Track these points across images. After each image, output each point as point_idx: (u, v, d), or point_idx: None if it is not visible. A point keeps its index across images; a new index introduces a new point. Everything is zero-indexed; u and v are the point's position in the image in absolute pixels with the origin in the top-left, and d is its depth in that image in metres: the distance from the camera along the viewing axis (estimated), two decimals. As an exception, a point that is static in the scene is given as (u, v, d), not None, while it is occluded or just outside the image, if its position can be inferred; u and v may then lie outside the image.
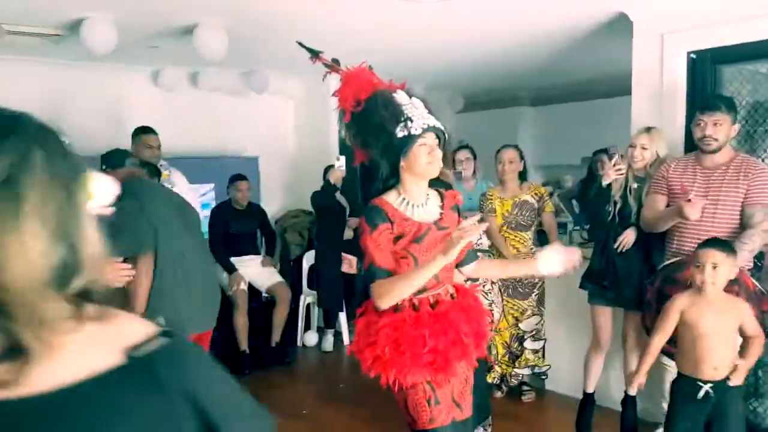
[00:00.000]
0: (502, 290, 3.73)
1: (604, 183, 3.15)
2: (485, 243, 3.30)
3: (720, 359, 2.46)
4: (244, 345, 4.55)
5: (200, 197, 4.92)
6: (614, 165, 3.12)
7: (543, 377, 3.98)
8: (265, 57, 4.90)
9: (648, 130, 3.16)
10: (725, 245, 2.51)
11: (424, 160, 2.01)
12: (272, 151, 5.75)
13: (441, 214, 2.12)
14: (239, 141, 5.52)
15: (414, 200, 2.07)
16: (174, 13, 3.49)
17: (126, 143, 3.88)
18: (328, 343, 5.11)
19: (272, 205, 5.57)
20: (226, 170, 4.95)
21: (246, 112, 5.55)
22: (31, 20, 3.29)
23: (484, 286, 3.28)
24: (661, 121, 3.35)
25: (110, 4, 3.21)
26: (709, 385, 2.46)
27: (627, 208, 3.15)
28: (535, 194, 3.81)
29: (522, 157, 3.85)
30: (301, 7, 3.44)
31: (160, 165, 3.91)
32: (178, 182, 3.96)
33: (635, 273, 3.13)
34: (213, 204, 5.03)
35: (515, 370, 3.87)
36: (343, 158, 4.77)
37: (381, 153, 2.04)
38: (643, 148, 3.12)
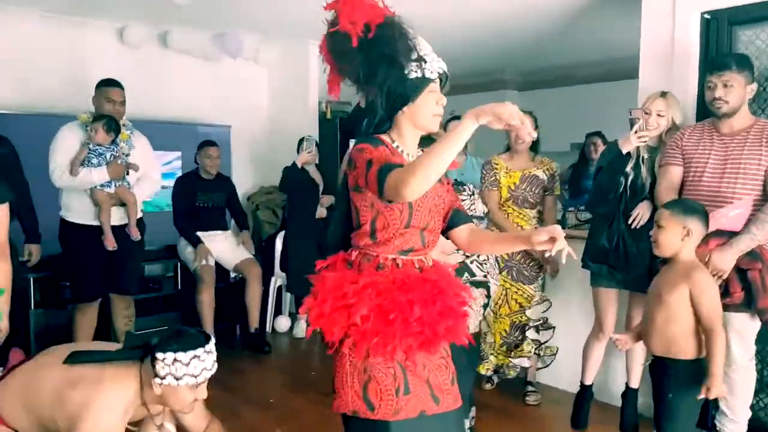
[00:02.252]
0: (507, 273, 3.40)
1: (624, 151, 2.83)
2: (480, 209, 2.96)
3: (654, 330, 2.24)
4: (209, 327, 4.15)
5: (165, 165, 4.53)
6: (636, 132, 2.80)
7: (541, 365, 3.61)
8: (239, 17, 4.54)
9: (663, 94, 2.88)
10: (677, 205, 2.33)
11: (430, 110, 1.71)
12: (245, 122, 5.37)
13: None
14: (210, 108, 5.12)
15: (408, 150, 1.77)
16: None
17: (88, 101, 3.53)
18: (301, 329, 4.76)
19: (244, 180, 5.21)
20: (194, 138, 4.58)
21: (218, 77, 5.17)
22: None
23: (478, 256, 2.95)
24: (671, 88, 3.07)
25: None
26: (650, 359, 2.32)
27: (639, 181, 2.87)
28: (547, 170, 3.45)
29: (536, 125, 3.42)
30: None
31: (123, 124, 3.56)
32: (138, 146, 3.60)
33: (646, 252, 2.80)
34: (179, 174, 4.64)
35: (512, 360, 3.50)
36: (312, 138, 4.45)
37: (385, 91, 1.70)
38: (659, 115, 2.84)
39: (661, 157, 2.81)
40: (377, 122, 1.75)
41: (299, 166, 4.43)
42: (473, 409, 2.89)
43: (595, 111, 6.07)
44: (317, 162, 4.61)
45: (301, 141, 4.59)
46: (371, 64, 1.68)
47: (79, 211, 3.40)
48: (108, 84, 3.48)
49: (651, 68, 3.23)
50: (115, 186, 3.41)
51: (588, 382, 3.16)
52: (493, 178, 3.44)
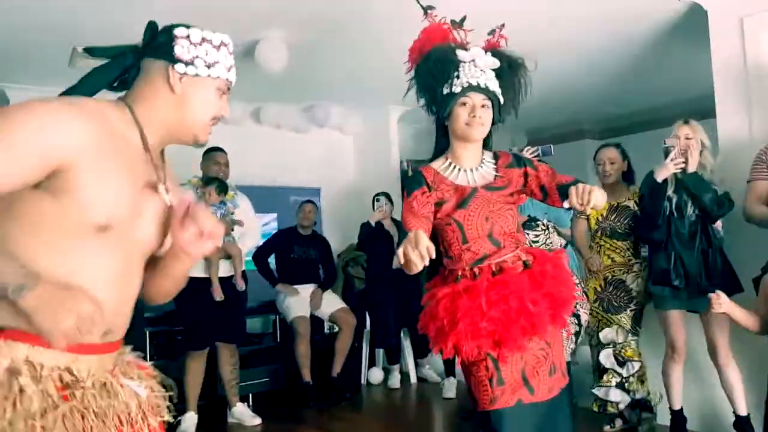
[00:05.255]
0: (599, 304, 3.37)
1: (660, 178, 2.95)
2: (556, 243, 3.03)
3: None
4: (307, 376, 4.34)
5: (263, 227, 4.89)
6: (672, 159, 2.93)
7: (648, 411, 3.31)
8: (323, 91, 4.98)
9: (686, 121, 3.06)
10: None
11: (462, 120, 1.91)
12: (333, 184, 5.77)
13: (495, 176, 1.97)
14: (301, 173, 5.57)
15: (461, 164, 1.97)
16: (237, 32, 3.60)
17: (190, 172, 3.93)
18: (395, 379, 4.84)
19: (334, 238, 5.49)
20: (288, 201, 4.95)
21: (307, 146, 5.63)
22: (101, 40, 3.40)
23: None
24: (749, 109, 3.13)
25: (176, 19, 3.31)
26: None
27: (681, 201, 2.98)
28: (640, 200, 3.37)
29: (625, 157, 3.51)
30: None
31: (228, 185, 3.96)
32: (242, 205, 3.97)
33: (715, 272, 2.90)
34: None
35: (595, 390, 3.38)
36: (383, 198, 4.72)
37: (430, 110, 2.01)
38: (688, 138, 2.99)
39: (751, 173, 2.83)
40: (435, 142, 2.03)
41: (372, 224, 4.67)
42: None
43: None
44: (392, 216, 4.83)
45: (374, 200, 4.85)
46: (418, 87, 1.99)
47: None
48: (214, 150, 3.94)
49: (726, 94, 3.26)
50: (224, 241, 3.75)
51: (677, 407, 3.12)
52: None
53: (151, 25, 1.30)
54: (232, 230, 3.83)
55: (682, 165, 2.92)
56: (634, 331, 3.36)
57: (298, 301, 4.53)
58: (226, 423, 3.91)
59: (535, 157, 3.64)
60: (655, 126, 6.56)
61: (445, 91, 1.91)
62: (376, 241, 4.72)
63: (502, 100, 1.96)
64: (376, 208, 4.72)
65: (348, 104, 5.49)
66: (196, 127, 1.33)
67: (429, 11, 2.08)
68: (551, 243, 3.09)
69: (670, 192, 2.99)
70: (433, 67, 1.92)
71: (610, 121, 6.90)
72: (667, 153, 2.98)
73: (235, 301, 3.78)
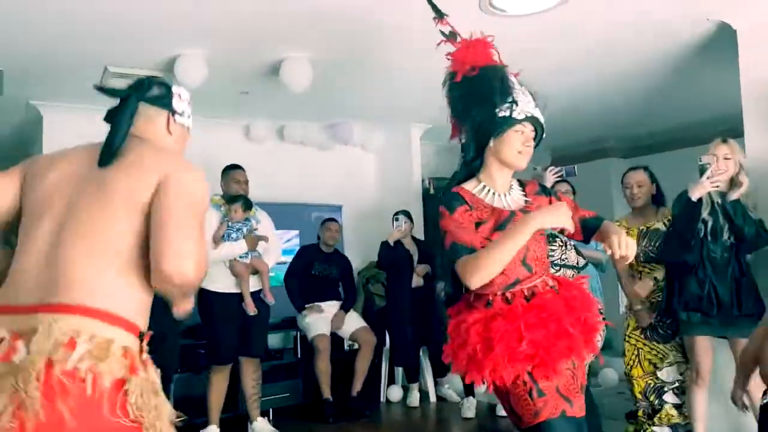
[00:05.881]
0: (639, 332, 3.30)
1: (695, 197, 2.85)
2: (572, 259, 2.99)
3: None
4: (327, 392, 4.34)
5: (285, 243, 4.93)
6: (708, 177, 2.84)
7: None
8: (346, 109, 5.03)
9: (725, 140, 2.96)
10: None
11: (515, 147, 1.89)
12: (355, 201, 5.78)
13: (526, 201, 1.96)
14: (323, 191, 5.60)
15: (495, 188, 1.94)
16: (262, 52, 3.69)
17: (210, 191, 3.96)
18: (414, 398, 4.80)
19: (355, 255, 5.50)
20: (311, 218, 4.99)
21: (329, 163, 5.69)
22: (131, 60, 3.50)
23: None
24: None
25: (203, 41, 3.39)
26: None
27: (717, 225, 2.88)
28: (668, 221, 3.24)
29: (653, 180, 3.43)
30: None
31: None
32: (262, 220, 3.99)
33: (749, 298, 2.84)
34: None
35: (654, 428, 3.28)
36: (402, 217, 4.72)
37: (476, 127, 1.92)
38: (726, 158, 2.91)
39: None
40: (469, 159, 1.96)
41: (391, 243, 4.68)
42: None
43: (704, 173, 5.89)
44: (412, 234, 4.83)
45: (393, 218, 4.84)
46: (469, 99, 1.93)
47: (219, 281, 3.73)
48: (233, 168, 4.00)
49: (754, 116, 3.21)
50: (252, 256, 3.78)
51: None
52: None
53: (150, 79, 1.61)
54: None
55: (719, 183, 2.86)
56: (683, 359, 3.26)
57: (319, 320, 4.55)
58: (246, 437, 3.93)
59: (558, 177, 3.63)
60: (680, 145, 6.48)
61: (502, 113, 1.87)
62: (396, 259, 4.72)
63: (544, 135, 1.97)
64: (395, 227, 4.73)
65: (370, 121, 5.52)
66: None
67: (443, 17, 2.10)
68: (566, 259, 3.05)
69: (705, 214, 2.89)
70: (497, 83, 1.89)
71: (635, 140, 6.83)
72: (702, 171, 2.88)
73: (259, 316, 3.80)
